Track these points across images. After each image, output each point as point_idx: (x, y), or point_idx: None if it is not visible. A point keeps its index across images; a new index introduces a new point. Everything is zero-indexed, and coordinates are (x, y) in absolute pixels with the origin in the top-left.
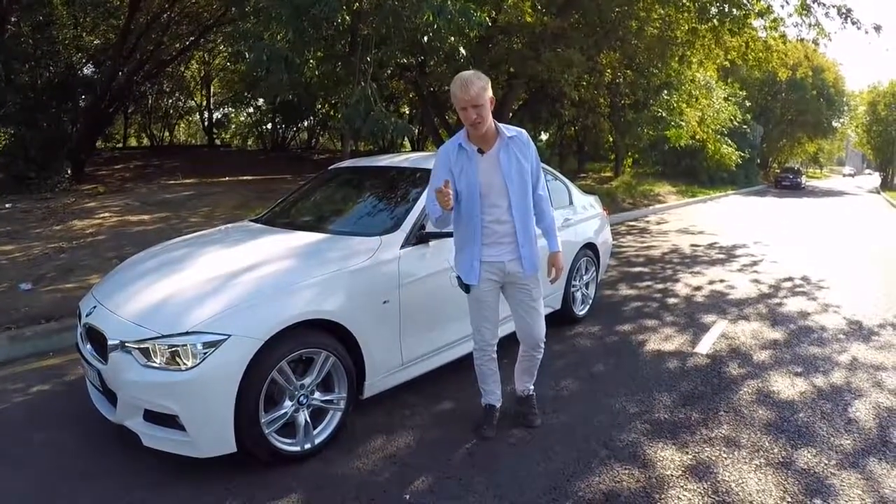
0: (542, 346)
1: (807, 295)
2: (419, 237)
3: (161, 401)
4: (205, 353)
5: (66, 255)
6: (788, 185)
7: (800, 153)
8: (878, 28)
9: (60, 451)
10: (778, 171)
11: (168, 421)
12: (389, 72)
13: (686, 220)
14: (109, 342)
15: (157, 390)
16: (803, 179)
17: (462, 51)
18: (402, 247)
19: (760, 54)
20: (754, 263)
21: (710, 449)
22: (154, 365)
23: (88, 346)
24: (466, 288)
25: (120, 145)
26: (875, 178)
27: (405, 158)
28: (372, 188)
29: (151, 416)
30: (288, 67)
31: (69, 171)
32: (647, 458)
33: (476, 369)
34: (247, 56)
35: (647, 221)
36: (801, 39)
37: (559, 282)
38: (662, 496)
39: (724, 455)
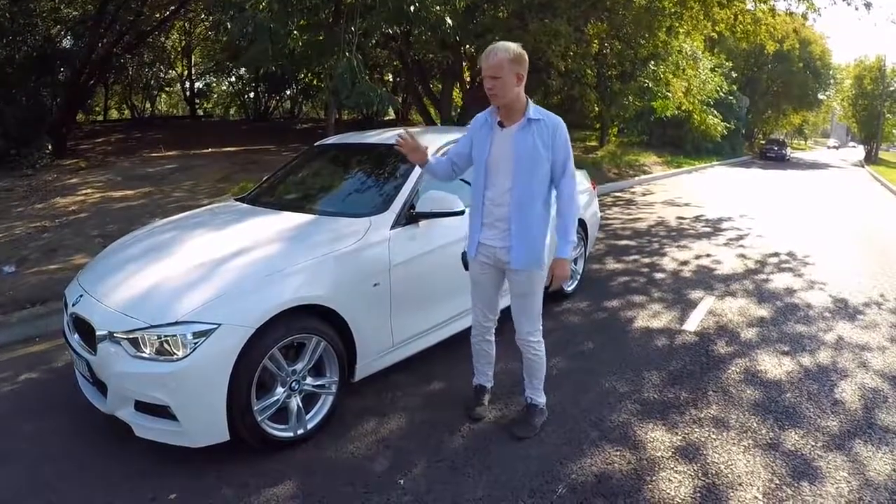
0: (531, 342)
1: (793, 271)
2: (409, 217)
3: (152, 392)
4: (195, 343)
5: (50, 235)
6: (773, 157)
7: (785, 124)
8: (868, 5)
9: (51, 441)
10: (763, 142)
11: (160, 411)
12: (374, 41)
13: (672, 191)
14: (97, 333)
15: (147, 381)
16: (788, 151)
17: (448, 20)
18: (392, 228)
19: (749, 27)
20: (740, 237)
21: (700, 430)
22: (144, 356)
23: (76, 335)
24: (465, 264)
25: (101, 118)
26: (859, 151)
27: (393, 135)
28: (359, 166)
29: (143, 407)
30: (272, 38)
31: (50, 147)
32: (637, 439)
33: (472, 346)
34: (228, 26)
35: (633, 192)
36: (791, 13)
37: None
38: (653, 478)
39: (713, 436)
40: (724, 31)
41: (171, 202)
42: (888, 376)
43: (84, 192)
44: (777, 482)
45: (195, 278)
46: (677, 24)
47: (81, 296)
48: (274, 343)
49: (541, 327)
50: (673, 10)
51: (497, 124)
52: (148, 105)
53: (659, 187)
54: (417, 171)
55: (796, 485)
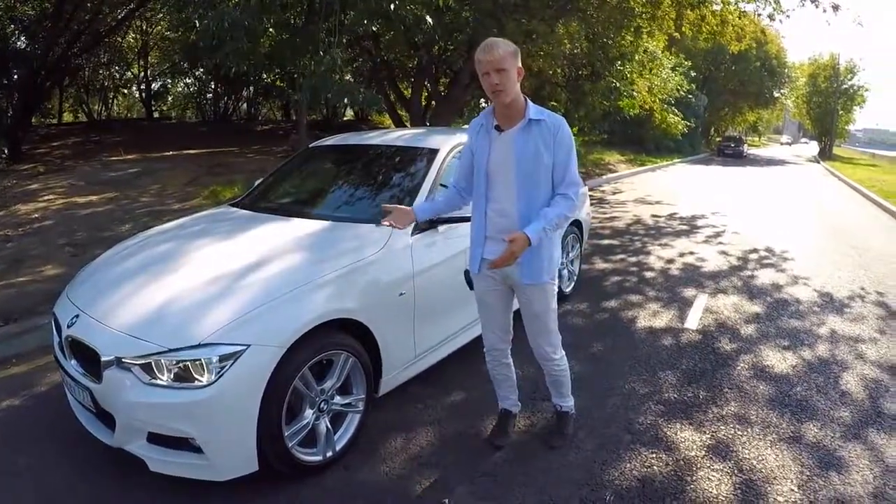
0: (554, 359)
1: (775, 267)
2: (428, 222)
3: (172, 423)
4: (222, 367)
5: (14, 244)
6: (731, 154)
7: (740, 122)
8: (836, 7)
9: (45, 478)
10: (718, 139)
11: (180, 443)
12: (346, 40)
13: (640, 189)
14: (103, 359)
15: (166, 411)
16: (745, 148)
17: (429, 19)
18: (412, 234)
19: (715, 28)
20: (717, 235)
21: (725, 427)
22: (160, 383)
23: (73, 361)
24: (469, 283)
25: (55, 121)
26: (812, 147)
27: (399, 136)
28: (366, 169)
29: (157, 439)
30: (248, 35)
31: (6, 151)
32: (669, 440)
33: (489, 373)
34: (197, 25)
35: (603, 191)
36: (758, 14)
37: None
38: (694, 478)
39: (739, 433)
40: (688, 32)
41: (140, 207)
42: (885, 366)
43: (46, 197)
44: (808, 474)
45: (213, 294)
46: (645, 25)
47: (77, 316)
48: (305, 362)
49: (559, 340)
50: (644, 11)
51: (494, 128)
52: (103, 107)
53: (627, 185)
54: (433, 173)
55: (826, 475)
